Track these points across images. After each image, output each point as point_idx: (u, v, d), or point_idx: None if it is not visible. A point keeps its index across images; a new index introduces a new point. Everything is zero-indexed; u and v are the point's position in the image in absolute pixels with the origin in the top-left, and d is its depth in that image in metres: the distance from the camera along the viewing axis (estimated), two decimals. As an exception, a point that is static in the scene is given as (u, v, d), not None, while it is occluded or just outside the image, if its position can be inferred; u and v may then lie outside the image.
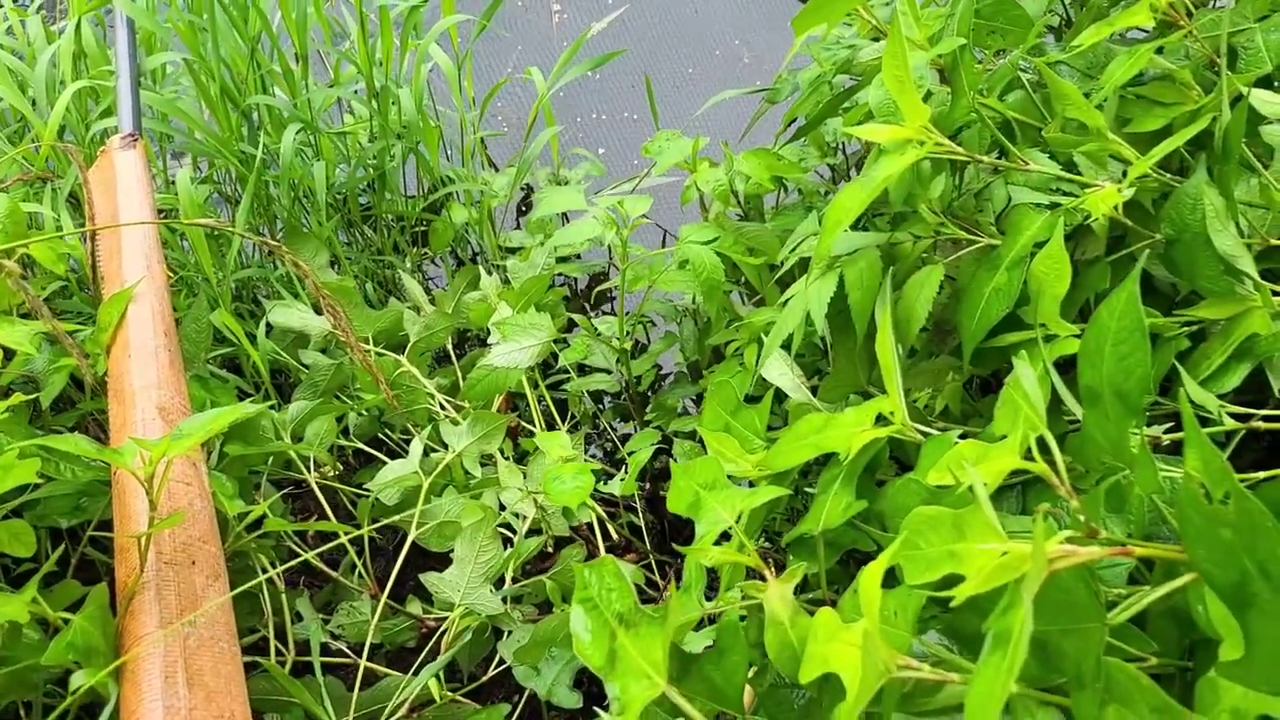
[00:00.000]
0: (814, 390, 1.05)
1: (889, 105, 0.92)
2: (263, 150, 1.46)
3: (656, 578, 1.25)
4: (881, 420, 0.79)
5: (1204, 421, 0.80)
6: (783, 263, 1.08)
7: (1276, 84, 0.97)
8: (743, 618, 0.75)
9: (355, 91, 1.72)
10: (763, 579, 0.72)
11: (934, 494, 0.70)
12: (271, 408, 1.25)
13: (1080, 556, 0.54)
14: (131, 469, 0.78)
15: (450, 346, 1.53)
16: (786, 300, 0.93)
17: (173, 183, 1.57)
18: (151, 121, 1.46)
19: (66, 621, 0.81)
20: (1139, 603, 0.58)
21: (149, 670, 0.78)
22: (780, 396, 1.03)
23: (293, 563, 1.06)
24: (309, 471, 1.26)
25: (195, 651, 0.80)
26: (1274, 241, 0.87)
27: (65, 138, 1.53)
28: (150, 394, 0.97)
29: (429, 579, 1.05)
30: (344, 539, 1.11)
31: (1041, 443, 0.64)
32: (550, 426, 1.42)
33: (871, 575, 0.57)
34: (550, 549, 1.25)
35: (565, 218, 1.87)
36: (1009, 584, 0.54)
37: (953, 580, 0.60)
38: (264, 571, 1.06)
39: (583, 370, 1.50)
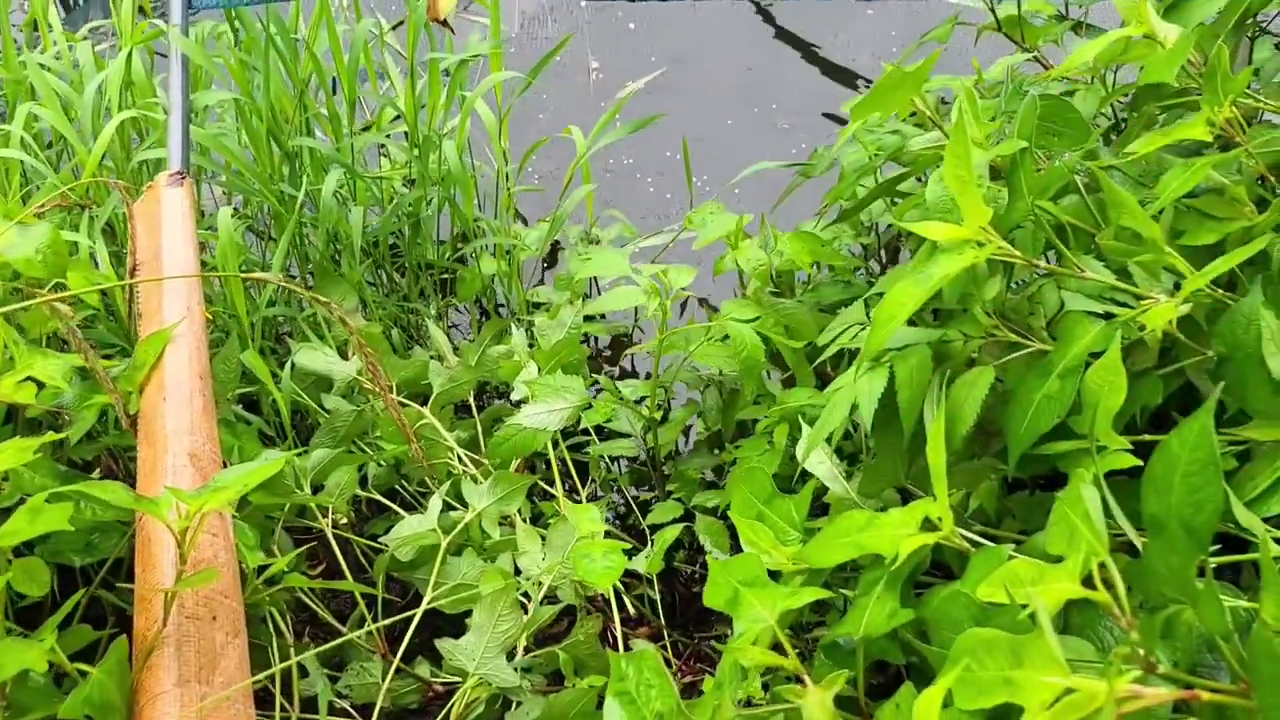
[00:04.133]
0: (848, 476, 1.03)
1: (947, 203, 0.92)
2: (304, 192, 1.46)
3: (670, 655, 1.22)
4: (928, 525, 0.77)
5: (1245, 545, 0.79)
6: (822, 346, 1.07)
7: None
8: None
9: (389, 136, 1.73)
10: (800, 682, 0.70)
11: (984, 611, 0.69)
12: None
13: (1147, 700, 0.53)
14: (166, 521, 0.77)
15: (471, 399, 1.52)
16: (834, 391, 0.92)
17: (206, 214, 1.57)
18: (194, 155, 1.47)
19: (82, 671, 0.79)
20: (1200, 747, 0.56)
21: (161, 729, 0.76)
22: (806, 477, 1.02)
23: (320, 640, 1.04)
24: (323, 519, 1.24)
25: (211, 713, 0.78)
26: (1327, 366, 0.86)
27: (104, 166, 1.53)
28: (183, 439, 0.96)
29: (444, 645, 1.03)
30: (359, 597, 1.09)
31: (1101, 567, 0.63)
32: (570, 490, 1.41)
33: (929, 700, 0.56)
34: (560, 616, 1.23)
35: (595, 279, 1.86)
36: (1073, 722, 0.52)
37: (1008, 709, 0.58)
38: (273, 624, 1.04)
39: (599, 431, 1.48)
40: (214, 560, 0.88)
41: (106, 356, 1.27)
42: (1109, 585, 0.63)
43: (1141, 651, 0.59)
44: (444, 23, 1.04)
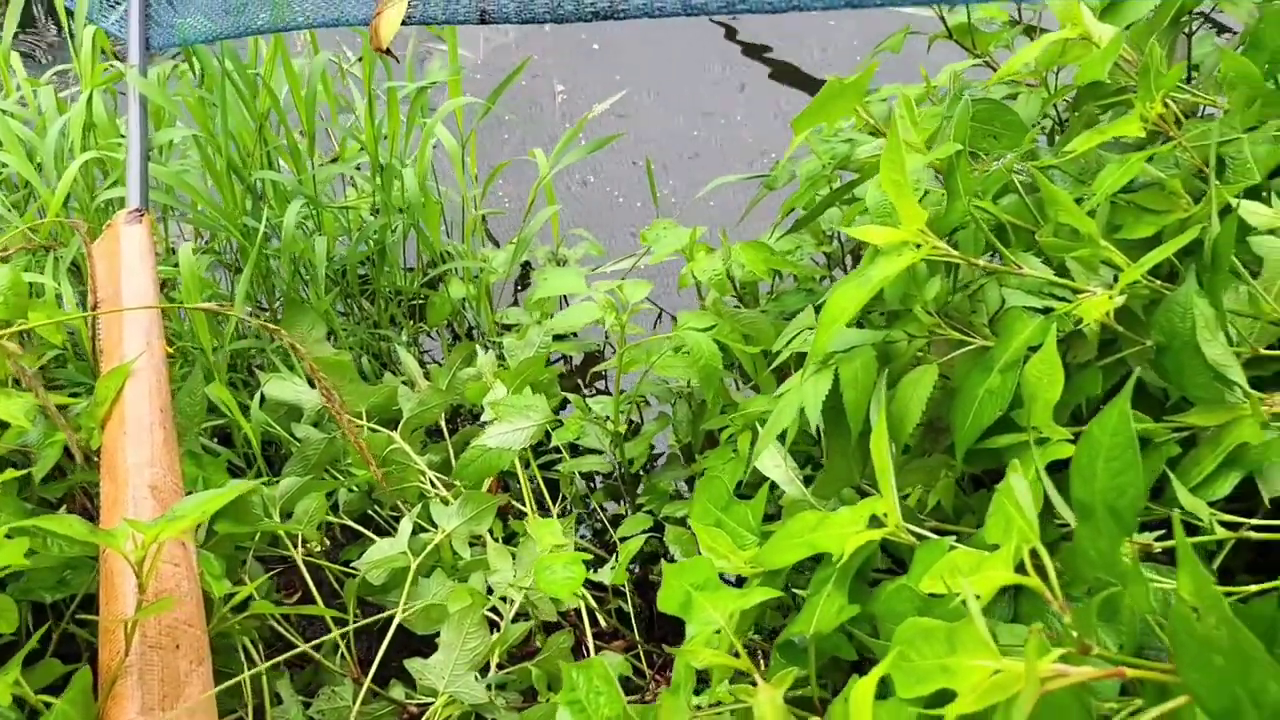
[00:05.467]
0: (807, 480, 1.05)
1: (886, 207, 0.94)
2: (265, 224, 1.48)
3: (644, 666, 1.23)
4: (875, 521, 0.79)
5: (1195, 529, 0.80)
6: (778, 351, 1.09)
7: (1265, 194, 0.99)
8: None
9: (358, 167, 1.75)
10: (753, 682, 0.71)
11: (927, 603, 0.70)
12: (263, 482, 1.24)
13: (1073, 677, 0.54)
14: (123, 552, 0.78)
15: (443, 422, 1.53)
16: (782, 393, 0.93)
17: (174, 251, 1.58)
18: (157, 193, 1.48)
19: (47, 704, 0.80)
20: (1132, 723, 0.58)
21: (126, 759, 0.77)
22: (773, 486, 1.03)
23: (284, 656, 1.05)
24: (295, 547, 1.25)
25: (175, 740, 0.78)
26: (1263, 351, 0.88)
27: (69, 206, 1.54)
28: (143, 472, 0.97)
29: (413, 665, 1.03)
30: (330, 621, 1.10)
31: (1034, 554, 0.64)
32: (541, 507, 1.42)
33: (864, 689, 0.57)
34: (537, 634, 1.23)
35: (565, 298, 1.88)
36: (1001, 703, 0.54)
37: (946, 694, 0.59)
38: (244, 653, 1.04)
39: (573, 449, 1.50)
40: (176, 590, 0.89)
41: (75, 395, 1.28)
42: (1043, 572, 0.64)
43: (1075, 633, 0.60)
44: (387, 51, 1.06)
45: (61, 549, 1.00)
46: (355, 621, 1.16)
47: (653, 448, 1.49)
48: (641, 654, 1.25)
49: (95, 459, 1.07)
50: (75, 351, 1.44)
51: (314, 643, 1.15)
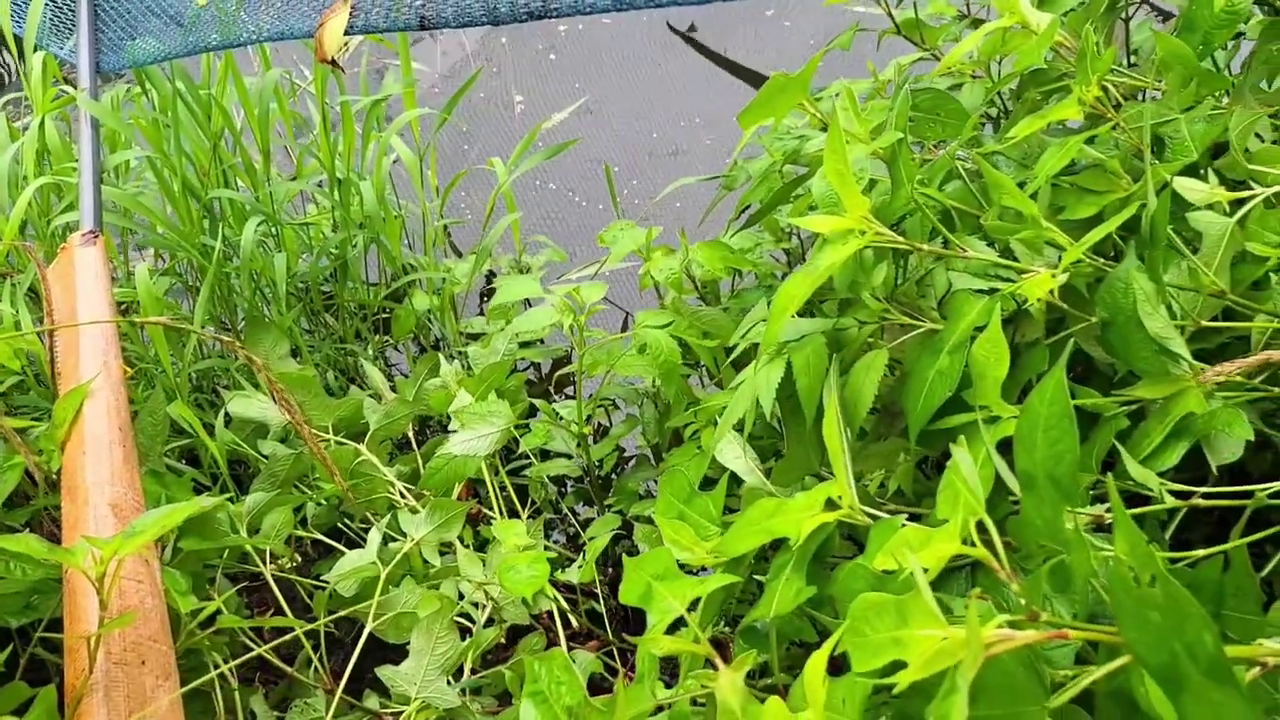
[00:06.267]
0: (769, 473, 1.06)
1: (831, 196, 0.95)
2: (224, 242, 1.48)
3: (619, 665, 1.24)
4: (831, 504, 0.80)
5: (1146, 500, 0.82)
6: (737, 346, 1.10)
7: (1203, 171, 1.01)
8: (699, 703, 0.75)
9: (319, 184, 1.75)
10: (716, 667, 0.72)
11: (880, 579, 0.71)
12: (230, 499, 1.24)
13: (1017, 640, 0.55)
14: (83, 568, 0.78)
15: (411, 433, 1.53)
16: (738, 385, 0.95)
17: (133, 275, 1.58)
18: (114, 216, 1.48)
19: (10, 727, 0.79)
20: (1079, 684, 0.59)
21: (94, 776, 0.76)
22: (737, 480, 1.04)
23: (247, 657, 1.05)
24: (265, 564, 1.25)
25: (142, 756, 0.78)
26: (1205, 323, 0.90)
27: (26, 232, 1.54)
28: (103, 490, 0.97)
29: (385, 672, 1.03)
30: (299, 633, 1.10)
31: (981, 527, 0.65)
32: (511, 513, 1.42)
33: (815, 664, 0.58)
34: (510, 638, 1.24)
35: (527, 303, 1.89)
36: (949, 669, 0.55)
37: (899, 667, 0.60)
38: (216, 669, 1.04)
39: (545, 455, 1.50)
40: (140, 606, 0.89)
41: (38, 420, 1.27)
42: (991, 544, 0.65)
43: (1024, 601, 0.62)
44: (332, 62, 1.07)
45: (26, 573, 0.99)
46: (327, 632, 1.16)
47: (623, 450, 1.50)
48: (615, 653, 1.25)
49: (58, 482, 1.06)
50: (36, 377, 1.43)
51: (287, 655, 1.15)
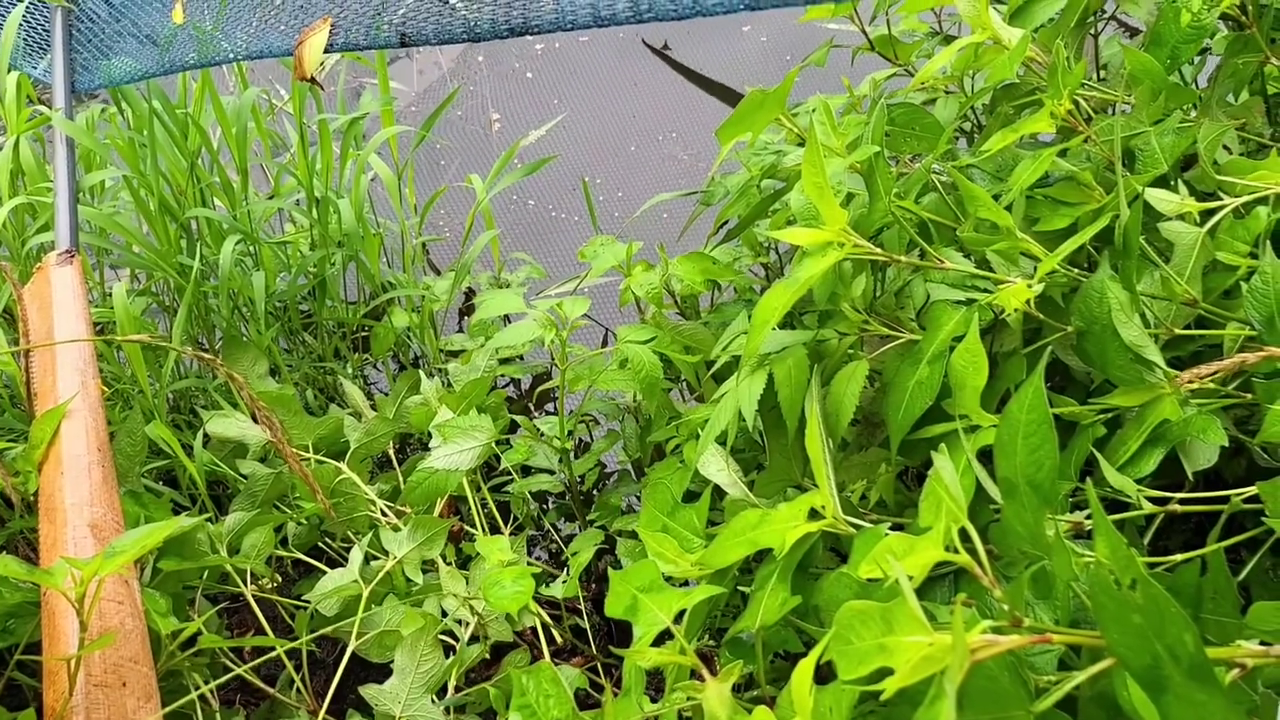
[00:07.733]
0: (752, 485, 1.06)
1: (810, 210, 0.96)
2: (202, 261, 1.47)
3: (604, 680, 1.23)
4: (814, 514, 0.80)
5: (1124, 506, 0.83)
6: (718, 359, 1.10)
7: (1173, 183, 1.03)
8: (686, 716, 0.76)
9: (296, 202, 1.75)
10: (702, 679, 0.72)
11: (865, 588, 0.71)
12: (209, 520, 1.23)
13: (1002, 645, 0.56)
14: (62, 590, 0.77)
15: (392, 451, 1.52)
16: (720, 398, 0.95)
17: (109, 295, 1.57)
18: (90, 236, 1.47)
19: (-12, 752, 0.78)
20: (1063, 689, 0.59)
21: (75, 801, 0.76)
22: (720, 493, 1.05)
23: (227, 677, 1.04)
24: (245, 584, 1.24)
25: (124, 778, 0.77)
26: (1179, 331, 0.91)
27: (1, 253, 1.52)
28: (82, 511, 0.96)
29: (369, 691, 1.03)
30: (280, 652, 1.09)
31: (964, 534, 0.66)
32: (493, 530, 1.42)
33: (803, 672, 0.58)
34: (494, 655, 1.23)
35: (507, 319, 1.89)
36: (935, 676, 0.55)
37: (885, 674, 0.61)
38: (197, 690, 1.03)
39: (526, 471, 1.50)
40: (120, 627, 0.88)
41: (14, 442, 1.26)
42: (974, 551, 0.66)
43: (1006, 607, 0.62)
44: (312, 80, 1.07)
45: (3, 596, 0.98)
46: (309, 652, 1.15)
47: (604, 466, 1.50)
48: (600, 668, 1.25)
49: (36, 504, 1.05)
50: (12, 399, 1.42)
51: (268, 675, 1.14)
